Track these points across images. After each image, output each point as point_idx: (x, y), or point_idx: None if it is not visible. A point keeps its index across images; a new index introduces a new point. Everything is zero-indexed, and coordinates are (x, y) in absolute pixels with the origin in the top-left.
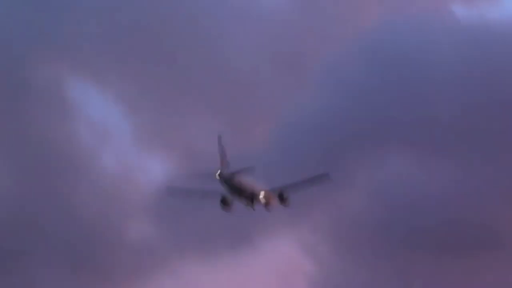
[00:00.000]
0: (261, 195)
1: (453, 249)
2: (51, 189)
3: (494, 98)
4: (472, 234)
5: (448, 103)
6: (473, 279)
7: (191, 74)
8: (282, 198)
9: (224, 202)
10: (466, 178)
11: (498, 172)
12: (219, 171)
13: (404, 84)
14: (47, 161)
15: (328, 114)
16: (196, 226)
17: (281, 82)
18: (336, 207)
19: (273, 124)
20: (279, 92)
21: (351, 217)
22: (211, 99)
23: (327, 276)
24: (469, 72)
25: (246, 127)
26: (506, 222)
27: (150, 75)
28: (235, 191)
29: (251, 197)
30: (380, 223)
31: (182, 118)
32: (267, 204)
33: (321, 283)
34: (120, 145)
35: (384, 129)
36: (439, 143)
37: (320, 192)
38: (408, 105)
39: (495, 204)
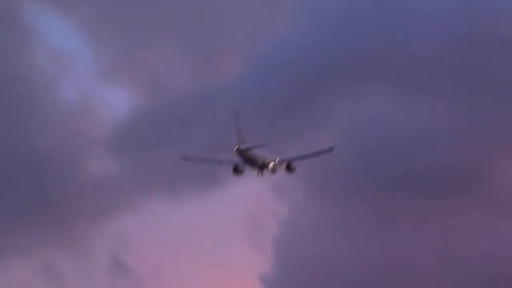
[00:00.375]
0: (271, 165)
1: (433, 191)
2: (6, 119)
3: (483, 33)
4: (454, 176)
5: (434, 36)
6: (452, 222)
7: (159, 4)
8: (289, 168)
9: (237, 170)
10: (451, 119)
11: (485, 112)
12: (236, 146)
13: (386, 17)
14: (4, 89)
15: (303, 47)
16: (162, 164)
17: (254, 13)
18: (311, 147)
19: (246, 57)
20: (252, 24)
21: (326, 157)
22: (179, 30)
23: (298, 218)
24: (457, 4)
25: (217, 59)
26: (490, 165)
27: (115, 3)
28: (248, 162)
29: (262, 167)
30: (357, 165)
31: (148, 50)
32: (274, 172)
33: (292, 225)
34: (82, 76)
35: (363, 64)
36: (423, 80)
37: (295, 131)
38: (390, 39)
39: (481, 147)
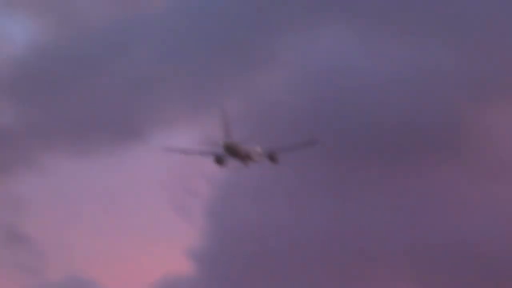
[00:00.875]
0: (254, 157)
1: (399, 151)
2: None
3: None
4: (425, 133)
5: None
6: (421, 186)
7: None
8: (272, 158)
9: (219, 161)
10: (422, 63)
11: (463, 56)
12: (223, 141)
13: None
14: None
15: None
16: (69, 112)
17: None
18: (255, 92)
19: None
20: None
21: (272, 105)
22: None
23: (236, 179)
24: None
25: None
26: (468, 119)
27: None
28: (233, 155)
29: (245, 158)
30: (310, 116)
31: None
32: (256, 161)
33: (229, 188)
34: None
35: None
36: (389, 16)
37: (235, 75)
38: None
39: (459, 97)
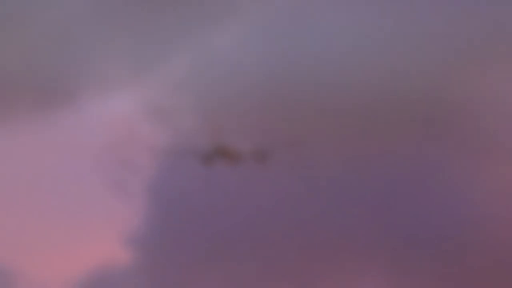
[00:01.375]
0: (243, 155)
1: (374, 124)
2: None
3: None
4: (407, 101)
5: None
6: (398, 164)
7: None
8: (260, 157)
9: (206, 161)
10: (399, 19)
11: (452, 10)
12: (215, 143)
13: None
14: None
15: None
16: None
17: None
18: (209, 51)
19: None
20: None
21: (225, 69)
22: None
23: (182, 151)
24: None
25: None
26: (458, 85)
27: None
28: (223, 156)
29: (234, 158)
30: (268, 81)
31: None
32: (244, 160)
33: (170, 162)
34: None
35: None
36: None
37: (184, 27)
38: None
39: (436, 57)
